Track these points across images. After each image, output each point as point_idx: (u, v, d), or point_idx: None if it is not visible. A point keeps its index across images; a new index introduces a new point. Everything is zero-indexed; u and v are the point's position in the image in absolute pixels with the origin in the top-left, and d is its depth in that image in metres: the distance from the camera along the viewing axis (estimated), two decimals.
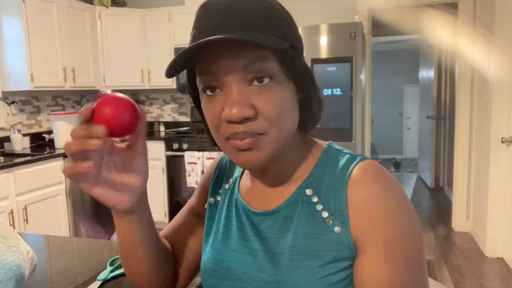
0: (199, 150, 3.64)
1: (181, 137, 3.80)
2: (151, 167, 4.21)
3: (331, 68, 3.21)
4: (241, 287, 0.60)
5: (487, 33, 3.17)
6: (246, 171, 0.68)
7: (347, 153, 0.61)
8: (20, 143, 3.22)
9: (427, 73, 5.72)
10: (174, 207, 3.85)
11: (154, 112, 4.55)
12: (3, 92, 3.25)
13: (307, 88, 0.58)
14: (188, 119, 4.40)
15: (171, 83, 3.99)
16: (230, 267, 0.62)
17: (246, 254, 0.61)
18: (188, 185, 3.67)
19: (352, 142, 3.21)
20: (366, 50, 3.63)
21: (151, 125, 4.53)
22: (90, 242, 1.15)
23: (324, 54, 3.22)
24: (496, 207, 3.06)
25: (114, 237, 3.28)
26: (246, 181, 0.67)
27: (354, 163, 0.57)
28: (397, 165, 7.13)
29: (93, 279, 0.89)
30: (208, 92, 0.54)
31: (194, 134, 3.91)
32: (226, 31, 0.50)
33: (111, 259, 0.97)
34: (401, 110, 8.28)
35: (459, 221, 3.77)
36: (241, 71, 0.51)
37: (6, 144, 3.24)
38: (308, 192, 0.58)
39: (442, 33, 4.38)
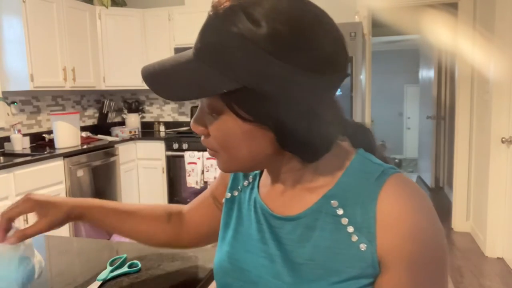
0: (199, 150, 3.64)
1: (181, 137, 3.80)
2: (151, 167, 4.18)
3: None
4: None
5: (487, 33, 3.17)
6: (265, 170, 0.66)
7: (378, 164, 0.57)
8: (20, 143, 3.21)
9: (427, 73, 5.72)
10: None
11: (154, 112, 4.55)
12: (3, 92, 3.25)
13: (276, 130, 0.52)
14: (188, 119, 4.40)
15: None
16: (245, 269, 0.61)
17: (263, 258, 0.59)
18: (188, 185, 3.67)
19: None
20: (366, 50, 3.63)
21: (151, 125, 4.53)
22: (90, 242, 1.15)
23: None
24: (496, 207, 3.06)
25: (114, 237, 3.27)
26: (266, 180, 0.65)
27: (386, 177, 0.54)
28: (399, 164, 7.14)
29: (93, 279, 0.89)
30: None
31: (194, 134, 3.90)
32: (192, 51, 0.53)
33: (111, 259, 0.97)
34: (401, 110, 8.28)
35: (459, 221, 3.77)
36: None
37: (6, 144, 3.24)
38: (333, 203, 0.55)
39: (442, 33, 4.38)
